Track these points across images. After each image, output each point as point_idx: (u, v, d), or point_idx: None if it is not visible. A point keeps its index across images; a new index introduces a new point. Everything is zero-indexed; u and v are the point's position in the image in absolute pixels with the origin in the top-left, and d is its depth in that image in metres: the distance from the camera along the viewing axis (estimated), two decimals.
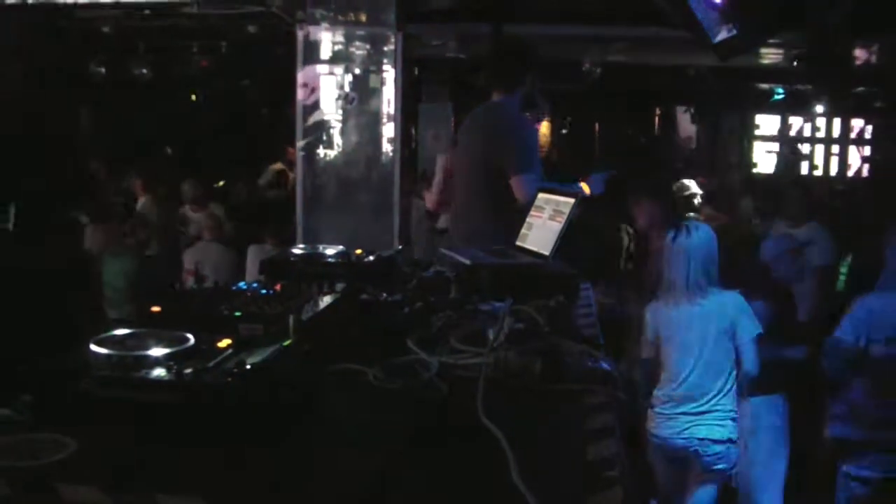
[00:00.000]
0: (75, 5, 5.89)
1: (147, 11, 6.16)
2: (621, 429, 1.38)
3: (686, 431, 3.45)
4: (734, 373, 3.46)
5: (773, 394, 3.73)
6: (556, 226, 2.50)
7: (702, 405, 3.45)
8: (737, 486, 3.73)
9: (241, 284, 1.89)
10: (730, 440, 3.47)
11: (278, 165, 9.64)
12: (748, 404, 3.65)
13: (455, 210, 3.86)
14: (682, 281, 3.51)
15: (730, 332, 3.43)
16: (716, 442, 3.44)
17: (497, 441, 1.20)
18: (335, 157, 5.10)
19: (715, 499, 3.55)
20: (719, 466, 3.49)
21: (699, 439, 3.44)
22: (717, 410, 3.44)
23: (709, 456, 3.46)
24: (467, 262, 2.45)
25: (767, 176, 12.68)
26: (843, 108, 11.83)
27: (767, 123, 13.40)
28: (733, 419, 3.48)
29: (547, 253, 2.46)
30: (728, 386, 3.46)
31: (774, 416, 3.76)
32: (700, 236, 3.53)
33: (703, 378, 3.45)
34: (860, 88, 10.10)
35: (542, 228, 2.61)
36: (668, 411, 3.51)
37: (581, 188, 3.34)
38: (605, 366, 1.58)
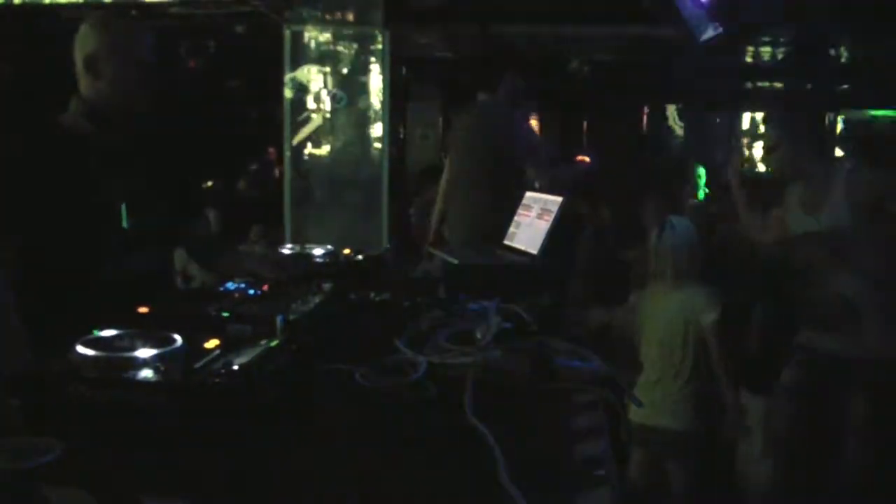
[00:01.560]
0: (60, 6, 5.84)
1: (134, 12, 6.11)
2: (610, 427, 1.39)
3: (653, 418, 3.48)
4: (699, 364, 3.49)
5: (768, 392, 3.74)
6: (544, 224, 2.50)
7: (666, 393, 3.49)
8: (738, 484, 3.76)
9: (229, 285, 1.88)
10: (694, 430, 3.50)
11: (254, 167, 9.59)
12: (746, 402, 3.67)
13: (458, 209, 3.94)
14: (664, 274, 3.62)
15: (694, 325, 3.47)
16: (677, 430, 3.48)
17: (485, 441, 1.20)
18: (323, 156, 5.10)
19: (687, 488, 3.58)
20: (682, 455, 3.52)
21: (664, 427, 3.48)
22: (681, 400, 3.49)
23: (671, 444, 3.49)
24: (455, 261, 2.46)
25: (756, 173, 12.72)
26: (830, 105, 11.87)
27: (755, 121, 13.43)
28: (698, 409, 3.52)
29: (535, 252, 2.47)
30: (689, 375, 3.49)
31: (768, 415, 3.77)
32: (682, 232, 3.63)
33: (666, 367, 3.51)
34: (846, 86, 10.14)
35: (530, 227, 2.62)
36: (640, 398, 3.54)
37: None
38: (593, 365, 1.58)
